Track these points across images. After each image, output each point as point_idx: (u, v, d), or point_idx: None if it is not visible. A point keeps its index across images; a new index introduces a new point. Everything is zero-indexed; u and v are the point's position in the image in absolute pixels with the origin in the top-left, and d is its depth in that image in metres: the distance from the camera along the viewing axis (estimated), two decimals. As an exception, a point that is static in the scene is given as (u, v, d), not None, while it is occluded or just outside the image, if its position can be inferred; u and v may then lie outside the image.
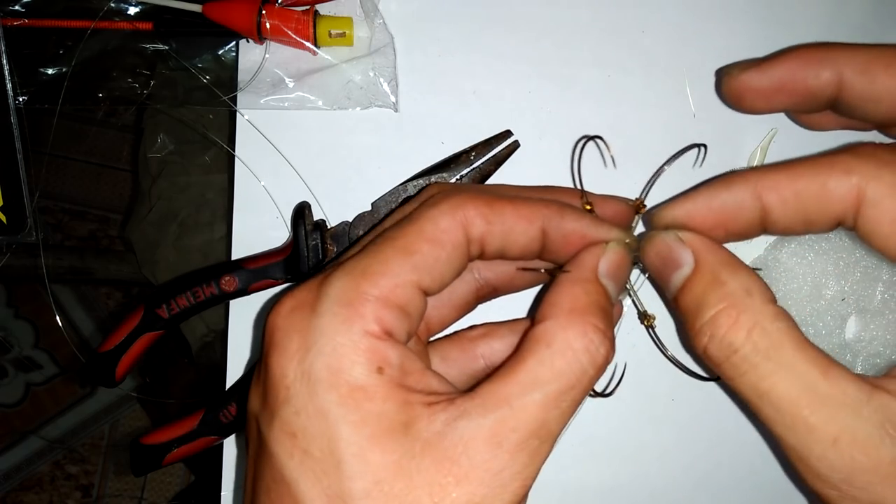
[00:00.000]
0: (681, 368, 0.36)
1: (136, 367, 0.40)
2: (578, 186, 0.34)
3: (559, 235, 0.29)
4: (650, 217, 0.32)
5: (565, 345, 0.25)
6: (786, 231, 0.29)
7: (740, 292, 0.26)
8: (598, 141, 0.40)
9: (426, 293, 0.27)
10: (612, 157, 0.40)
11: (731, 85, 0.36)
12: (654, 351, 0.38)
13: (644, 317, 0.35)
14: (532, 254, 0.29)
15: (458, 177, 0.40)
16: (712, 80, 0.43)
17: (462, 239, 0.27)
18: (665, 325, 0.41)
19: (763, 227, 0.29)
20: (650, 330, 0.36)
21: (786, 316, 0.26)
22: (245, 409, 0.28)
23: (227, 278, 0.39)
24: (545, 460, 0.25)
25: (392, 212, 0.37)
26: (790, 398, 0.25)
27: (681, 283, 0.28)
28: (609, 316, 0.27)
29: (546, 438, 0.25)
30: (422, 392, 0.25)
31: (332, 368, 0.24)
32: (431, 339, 0.34)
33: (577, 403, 0.26)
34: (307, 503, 0.23)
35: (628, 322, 0.41)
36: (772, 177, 0.28)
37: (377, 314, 0.25)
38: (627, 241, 0.30)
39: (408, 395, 0.24)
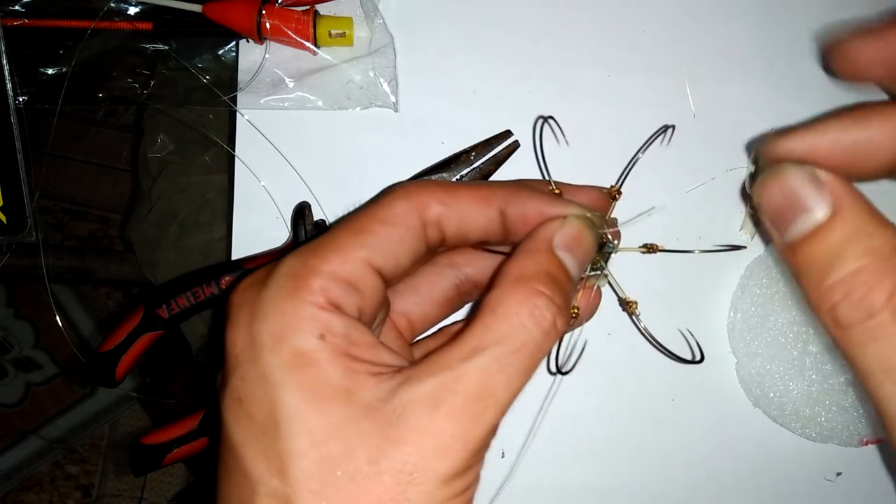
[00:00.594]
0: (666, 353, 0.36)
1: (136, 367, 0.40)
2: (545, 172, 0.33)
3: (518, 215, 0.29)
4: (760, 148, 0.28)
5: (508, 310, 0.25)
6: None
7: (888, 249, 0.23)
8: (551, 122, 0.40)
9: (381, 273, 0.27)
10: (564, 137, 0.40)
11: (846, 55, 0.29)
12: (655, 351, 0.38)
13: (626, 304, 0.35)
14: (494, 236, 0.29)
15: (458, 177, 0.40)
16: (712, 80, 0.43)
17: (416, 221, 0.27)
18: (648, 310, 0.41)
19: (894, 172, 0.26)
20: (633, 317, 0.36)
21: None
22: None
23: (227, 278, 0.39)
24: (493, 426, 0.24)
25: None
26: None
27: (808, 230, 0.24)
28: (561, 286, 0.26)
29: (491, 403, 0.24)
30: (370, 363, 0.25)
31: (275, 335, 0.24)
32: (419, 338, 0.34)
33: (527, 370, 0.25)
34: (248, 464, 0.24)
35: (628, 322, 0.41)
36: None
37: (323, 286, 0.25)
38: (588, 215, 0.29)
39: (352, 363, 0.24)
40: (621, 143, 0.43)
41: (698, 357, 0.37)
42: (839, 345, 0.24)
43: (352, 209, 0.40)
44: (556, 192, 0.32)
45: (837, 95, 0.44)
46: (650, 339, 0.36)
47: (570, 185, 0.33)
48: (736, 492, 0.43)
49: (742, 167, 0.43)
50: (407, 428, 0.23)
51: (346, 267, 0.26)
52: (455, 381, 0.24)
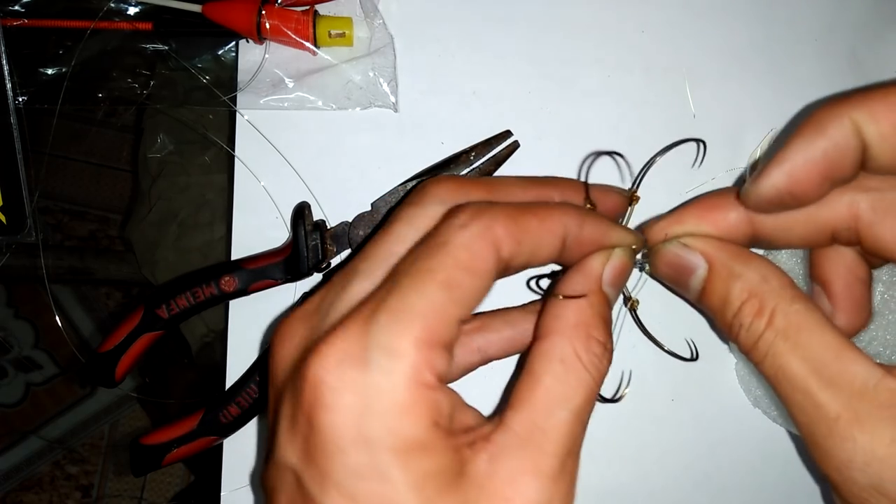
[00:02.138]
0: (663, 349, 0.37)
1: (136, 367, 0.40)
2: (590, 203, 0.34)
3: (575, 241, 0.29)
4: (744, 188, 0.29)
5: (572, 361, 0.26)
6: (889, 171, 0.26)
7: (757, 280, 0.27)
8: (617, 157, 0.40)
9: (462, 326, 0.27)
10: (630, 172, 0.40)
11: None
12: (655, 351, 0.38)
13: (627, 300, 0.36)
14: (552, 261, 0.29)
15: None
16: (712, 80, 0.43)
17: (494, 264, 0.26)
18: (650, 310, 0.41)
19: (864, 167, 0.27)
20: (633, 313, 0.37)
21: (804, 298, 0.27)
22: (265, 444, 0.28)
23: (226, 278, 0.39)
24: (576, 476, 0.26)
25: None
26: (801, 376, 0.26)
27: (700, 285, 0.29)
28: (609, 324, 0.28)
29: (577, 454, 0.26)
30: (464, 433, 0.25)
31: (392, 429, 0.23)
32: None
33: (590, 414, 0.27)
34: None
35: (628, 323, 0.41)
36: (868, 106, 0.25)
37: (430, 362, 0.24)
38: (633, 247, 0.30)
39: (456, 441, 0.25)
40: (621, 143, 0.43)
41: (694, 355, 0.39)
42: (752, 364, 0.28)
43: (362, 210, 0.40)
44: (590, 204, 0.33)
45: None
46: (648, 335, 0.37)
47: (596, 186, 0.32)
48: (735, 491, 0.43)
49: (742, 167, 0.43)
50: (522, 501, 0.24)
51: (443, 332, 0.25)
52: (548, 442, 0.25)
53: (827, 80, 0.44)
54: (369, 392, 0.23)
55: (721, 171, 0.43)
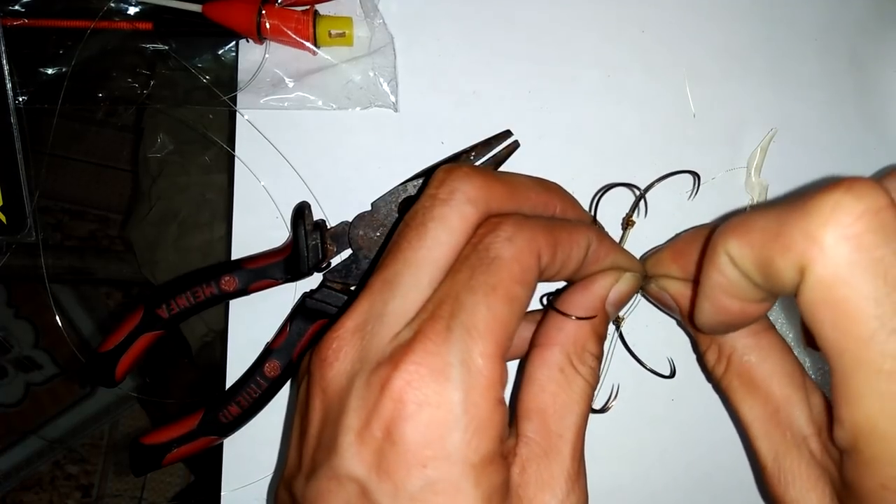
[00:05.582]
0: (644, 367, 0.40)
1: (136, 367, 0.40)
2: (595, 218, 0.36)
3: (592, 259, 0.30)
4: (646, 263, 0.34)
5: (573, 370, 0.28)
6: (771, 291, 0.25)
7: (713, 336, 0.31)
8: (636, 189, 0.41)
9: None
10: (646, 208, 0.42)
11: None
12: (654, 352, 0.38)
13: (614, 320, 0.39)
14: (571, 276, 0.31)
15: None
16: (712, 80, 0.43)
17: (538, 275, 0.27)
18: (648, 311, 0.41)
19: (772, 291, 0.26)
20: (618, 328, 0.40)
21: (761, 346, 0.30)
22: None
23: (226, 278, 0.39)
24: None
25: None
26: (748, 421, 0.29)
27: (679, 320, 0.33)
28: (603, 339, 0.30)
29: (582, 457, 0.28)
30: (509, 458, 0.27)
31: (471, 445, 0.24)
32: None
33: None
34: None
35: (626, 326, 0.41)
36: (731, 236, 0.24)
37: (501, 376, 0.25)
38: (641, 273, 0.32)
39: (506, 455, 0.27)
40: (621, 143, 0.43)
41: (672, 373, 0.41)
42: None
43: (362, 210, 0.40)
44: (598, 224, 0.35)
45: (839, 96, 0.44)
46: (631, 353, 0.40)
47: (566, 198, 0.33)
48: (736, 491, 0.43)
49: (742, 167, 0.43)
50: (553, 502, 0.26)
51: (507, 346, 0.26)
52: (566, 447, 0.27)
53: (827, 80, 0.44)
54: (452, 407, 0.24)
55: (721, 171, 0.43)
